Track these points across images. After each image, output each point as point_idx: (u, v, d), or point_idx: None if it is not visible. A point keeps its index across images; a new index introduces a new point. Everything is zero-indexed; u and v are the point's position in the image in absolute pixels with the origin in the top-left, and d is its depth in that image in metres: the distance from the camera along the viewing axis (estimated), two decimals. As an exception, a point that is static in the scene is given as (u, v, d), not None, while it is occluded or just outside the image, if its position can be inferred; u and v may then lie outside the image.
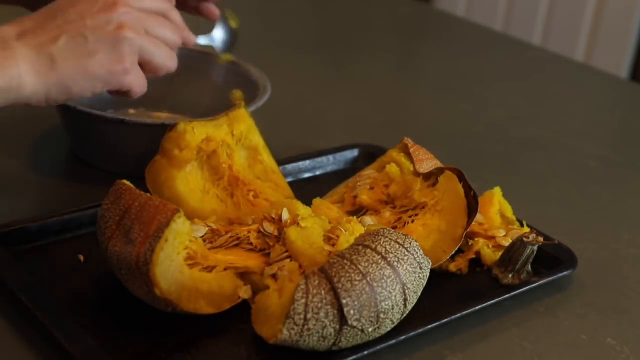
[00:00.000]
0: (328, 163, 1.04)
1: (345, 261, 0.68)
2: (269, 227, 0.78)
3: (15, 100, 0.70)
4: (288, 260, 0.75)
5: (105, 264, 0.75)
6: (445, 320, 0.75)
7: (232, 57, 1.02)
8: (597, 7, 2.36)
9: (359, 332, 0.68)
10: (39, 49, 0.70)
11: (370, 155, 1.02)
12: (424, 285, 0.73)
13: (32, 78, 0.69)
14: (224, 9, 0.99)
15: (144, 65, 0.77)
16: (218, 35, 0.99)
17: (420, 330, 0.73)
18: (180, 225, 0.71)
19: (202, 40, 0.95)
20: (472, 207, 0.82)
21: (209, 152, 0.86)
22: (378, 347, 0.70)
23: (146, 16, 0.77)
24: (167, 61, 0.80)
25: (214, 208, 0.85)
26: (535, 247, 0.82)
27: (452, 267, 0.84)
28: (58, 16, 0.72)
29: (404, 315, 0.71)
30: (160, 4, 0.80)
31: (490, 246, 0.85)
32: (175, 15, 0.82)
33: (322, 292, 0.66)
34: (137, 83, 0.77)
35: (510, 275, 0.82)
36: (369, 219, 0.85)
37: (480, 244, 0.85)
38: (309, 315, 0.66)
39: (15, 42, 0.69)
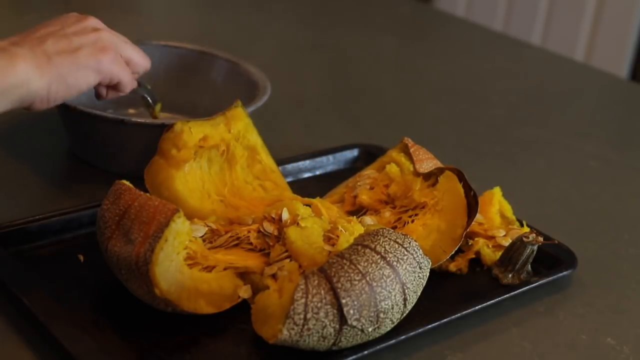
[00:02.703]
0: (328, 163, 1.04)
1: (344, 261, 0.68)
2: (269, 227, 0.78)
3: (23, 98, 0.75)
4: (288, 260, 0.75)
5: (105, 264, 0.75)
6: (445, 320, 0.75)
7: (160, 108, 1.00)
8: (597, 7, 2.36)
9: (359, 332, 0.68)
10: (34, 49, 0.76)
11: (370, 155, 1.03)
12: (424, 285, 0.73)
13: (35, 74, 0.75)
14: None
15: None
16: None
17: (420, 330, 0.73)
18: (180, 225, 0.71)
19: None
20: (472, 207, 0.82)
21: (210, 154, 0.86)
22: (378, 347, 0.70)
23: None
24: (143, 59, 0.89)
25: (213, 208, 0.85)
26: (535, 247, 0.82)
27: (452, 267, 0.84)
28: (38, 30, 0.80)
29: (404, 315, 0.71)
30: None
31: (490, 246, 0.85)
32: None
33: (322, 292, 0.66)
34: (125, 75, 0.85)
35: (510, 275, 0.82)
36: (369, 219, 0.85)
37: (480, 244, 0.85)
38: (308, 315, 0.66)
39: (10, 47, 0.75)
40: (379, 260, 0.69)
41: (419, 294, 0.73)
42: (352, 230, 0.77)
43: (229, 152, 0.88)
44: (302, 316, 0.66)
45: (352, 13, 1.83)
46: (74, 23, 0.82)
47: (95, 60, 0.81)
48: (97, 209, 0.76)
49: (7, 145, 1.02)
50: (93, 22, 0.84)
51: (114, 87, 0.87)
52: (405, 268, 0.70)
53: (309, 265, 0.74)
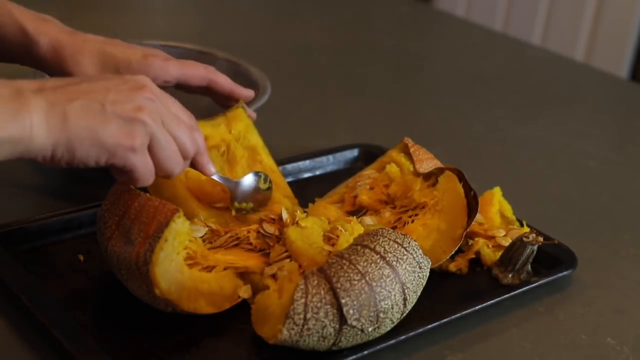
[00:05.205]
0: (328, 163, 1.04)
1: (344, 261, 0.68)
2: (269, 228, 0.78)
3: (22, 154, 0.67)
4: (288, 260, 0.75)
5: (105, 264, 0.75)
6: (445, 320, 0.75)
7: (250, 207, 0.85)
8: (597, 7, 2.36)
9: (359, 332, 0.68)
10: (54, 104, 0.68)
11: (370, 155, 1.03)
12: (424, 285, 0.73)
13: (43, 132, 0.66)
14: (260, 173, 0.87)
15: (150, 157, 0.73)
16: (244, 184, 0.85)
17: (420, 330, 0.73)
18: (179, 225, 0.71)
19: (217, 177, 0.82)
20: (472, 207, 0.82)
21: (210, 155, 0.86)
22: (378, 347, 0.70)
23: (168, 113, 0.74)
24: (174, 164, 0.74)
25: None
26: (535, 247, 0.82)
27: (452, 267, 0.84)
28: (84, 83, 0.71)
29: (404, 315, 0.71)
30: (187, 117, 0.76)
31: (490, 246, 0.85)
32: (199, 135, 0.77)
33: (322, 292, 0.66)
34: (142, 167, 0.72)
35: (510, 275, 0.82)
36: (369, 219, 0.85)
37: (480, 244, 0.85)
38: (308, 315, 0.66)
39: (31, 94, 0.67)
40: (378, 260, 0.69)
41: (419, 294, 0.73)
42: (352, 230, 0.77)
43: (230, 153, 0.88)
44: (302, 316, 0.66)
45: (351, 13, 1.83)
46: (123, 90, 0.71)
47: (115, 144, 0.69)
48: (97, 209, 0.76)
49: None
50: (146, 96, 0.72)
51: (126, 173, 0.72)
52: (405, 268, 0.70)
53: (308, 265, 0.74)
